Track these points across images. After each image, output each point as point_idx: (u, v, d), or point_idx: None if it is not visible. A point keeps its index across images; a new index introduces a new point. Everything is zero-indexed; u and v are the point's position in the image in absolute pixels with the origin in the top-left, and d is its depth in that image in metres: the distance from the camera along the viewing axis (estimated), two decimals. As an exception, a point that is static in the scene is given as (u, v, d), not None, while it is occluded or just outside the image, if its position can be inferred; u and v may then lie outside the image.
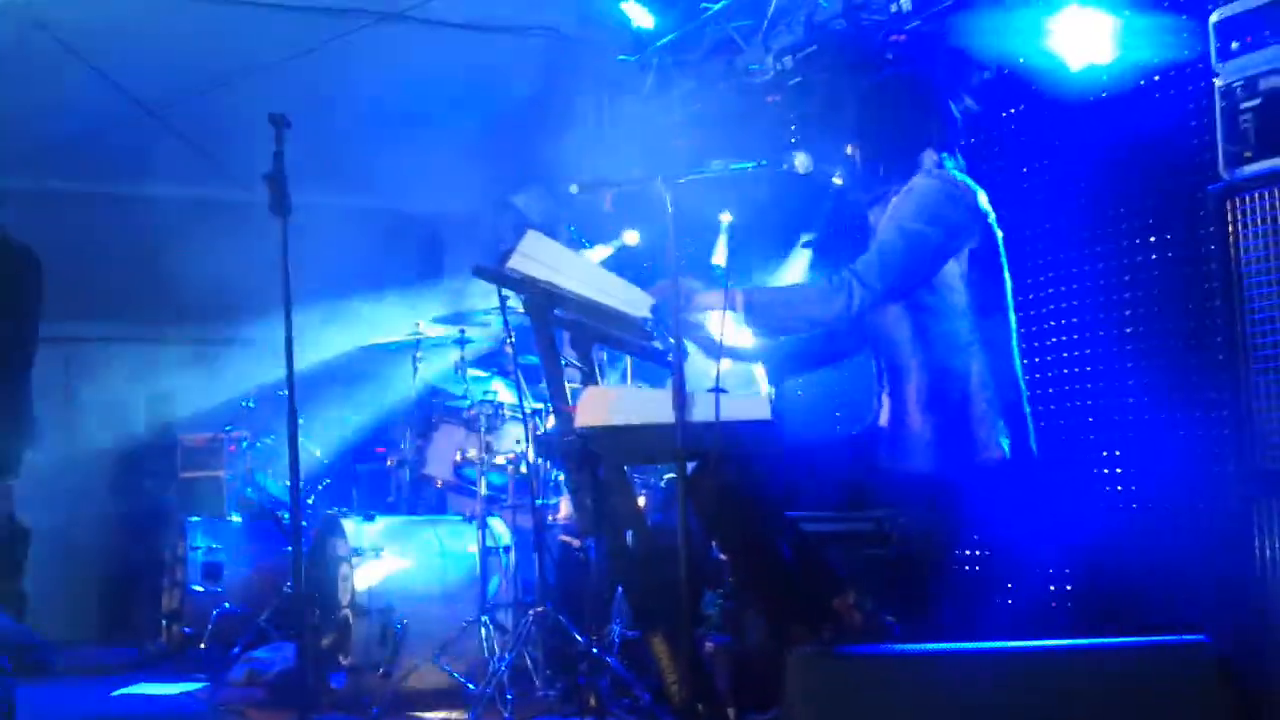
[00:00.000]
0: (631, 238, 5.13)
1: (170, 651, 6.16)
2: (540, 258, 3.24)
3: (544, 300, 3.23)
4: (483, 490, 4.77)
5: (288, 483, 6.30)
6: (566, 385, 3.29)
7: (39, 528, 6.54)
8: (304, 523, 4.31)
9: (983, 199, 3.20)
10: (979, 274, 3.14)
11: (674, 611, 2.99)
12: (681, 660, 2.99)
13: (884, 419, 3.19)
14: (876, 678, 2.23)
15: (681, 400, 2.98)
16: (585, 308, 3.30)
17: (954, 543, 3.18)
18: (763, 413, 3.00)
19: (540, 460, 4.73)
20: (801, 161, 3.29)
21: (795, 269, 4.55)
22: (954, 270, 3.12)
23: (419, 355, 5.47)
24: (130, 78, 6.37)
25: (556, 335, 3.36)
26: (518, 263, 3.23)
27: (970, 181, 3.22)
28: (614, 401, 3.14)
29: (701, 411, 2.95)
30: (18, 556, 6.40)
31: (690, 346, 3.23)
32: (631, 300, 3.32)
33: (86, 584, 7.69)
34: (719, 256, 4.87)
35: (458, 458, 4.93)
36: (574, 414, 3.14)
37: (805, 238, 4.50)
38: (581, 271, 3.32)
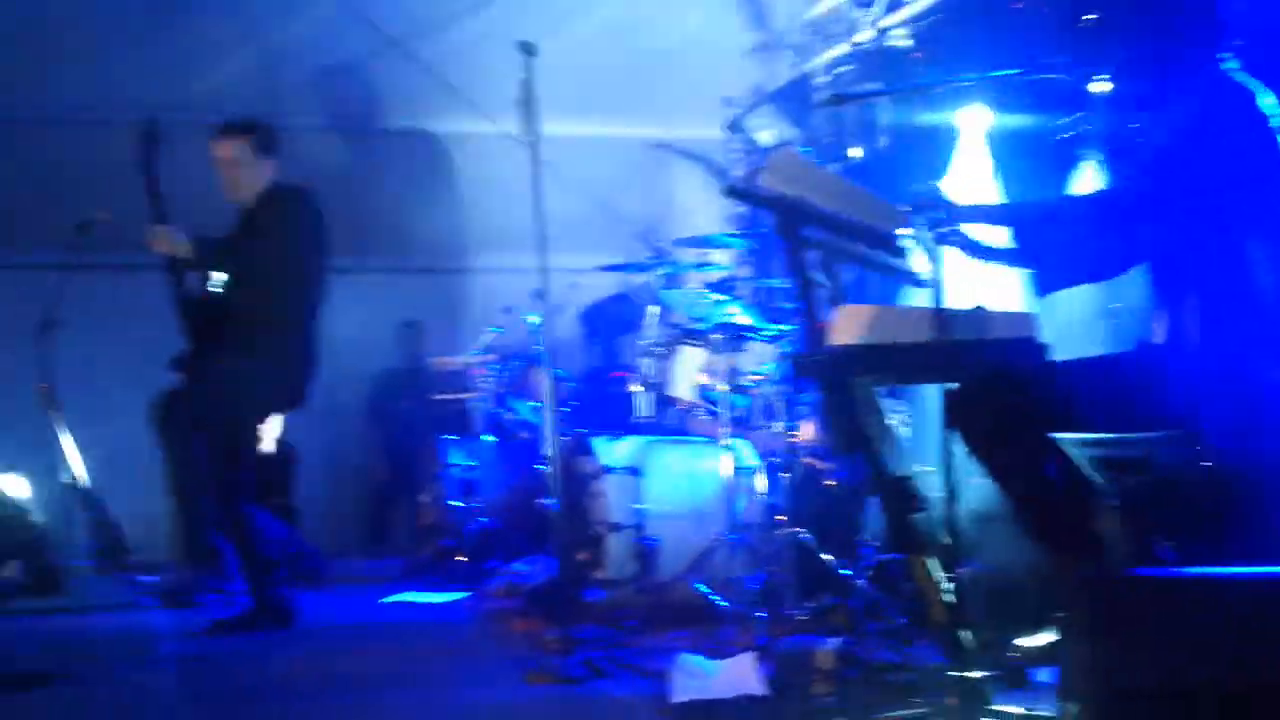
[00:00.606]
0: (855, 153, 5.06)
1: (431, 563, 6.47)
2: (791, 174, 3.21)
3: (795, 217, 3.20)
4: (727, 412, 4.80)
5: (535, 404, 6.53)
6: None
7: (306, 449, 6.96)
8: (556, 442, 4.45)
9: (1267, 101, 3.00)
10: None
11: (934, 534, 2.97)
12: (942, 583, 2.97)
13: (1161, 336, 3.05)
14: (1162, 601, 2.16)
15: (942, 317, 2.93)
16: (836, 224, 3.26)
17: (1232, 467, 3.02)
18: (1027, 330, 2.92)
19: (787, 381, 4.72)
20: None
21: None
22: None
23: (657, 278, 5.53)
24: (379, 12, 6.54)
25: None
26: (769, 179, 3.21)
27: (1252, 82, 3.03)
28: (869, 319, 3.09)
29: (962, 330, 2.89)
30: (288, 475, 6.84)
31: (946, 262, 3.15)
32: (883, 214, 3.27)
33: (349, 501, 8.14)
34: (966, 170, 4.75)
35: (701, 380, 4.96)
36: (826, 332, 3.12)
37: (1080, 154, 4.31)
38: (832, 187, 3.29)
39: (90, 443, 7.12)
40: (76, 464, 6.92)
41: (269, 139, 5.19)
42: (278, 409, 5.12)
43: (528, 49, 4.10)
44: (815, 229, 3.23)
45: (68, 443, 6.94)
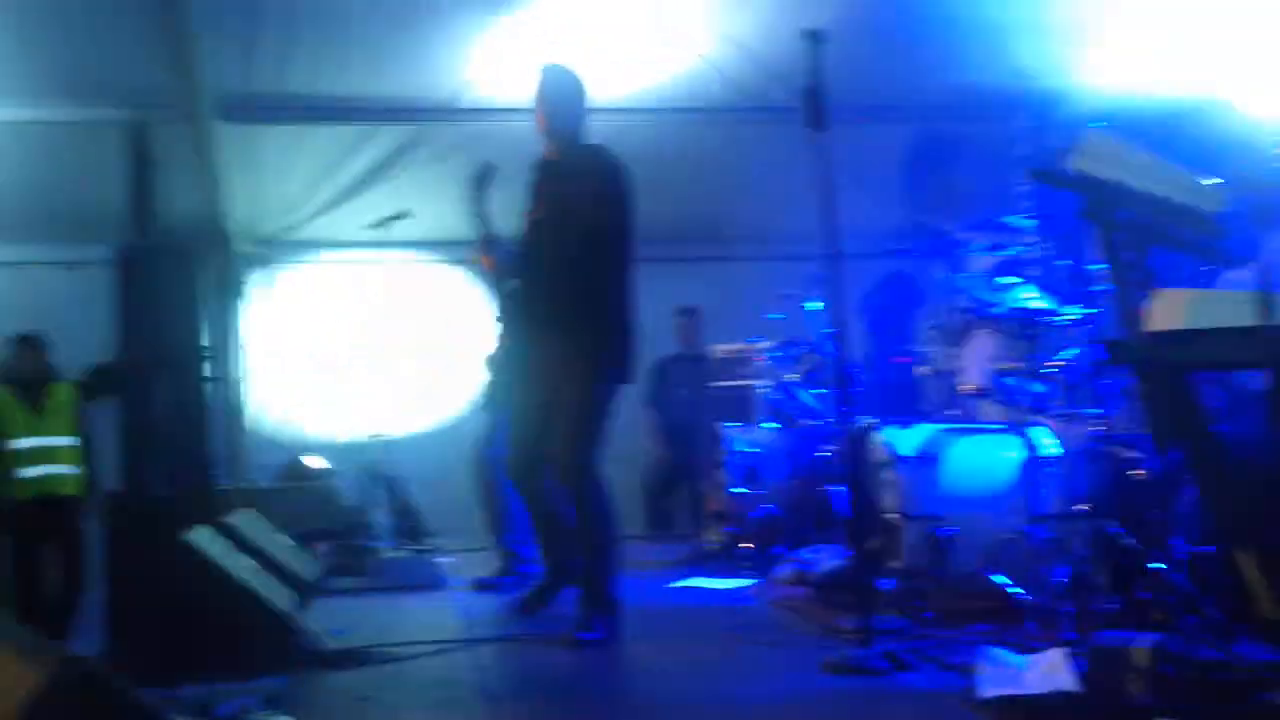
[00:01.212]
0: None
1: (716, 550, 6.54)
2: (1105, 155, 3.10)
3: (1109, 201, 3.09)
4: (1024, 398, 4.67)
5: (817, 390, 6.52)
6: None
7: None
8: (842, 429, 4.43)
9: None
10: None
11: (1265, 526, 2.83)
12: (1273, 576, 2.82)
13: None
14: None
15: (1268, 300, 2.78)
16: (1151, 205, 3.13)
17: None
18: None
19: (1092, 367, 4.56)
20: None
21: None
22: None
23: (948, 263, 5.43)
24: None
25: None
26: (1080, 162, 3.11)
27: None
28: (1190, 304, 2.97)
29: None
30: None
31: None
32: (1202, 194, 3.12)
33: (631, 486, 8.30)
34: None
35: (997, 365, 4.84)
36: (1143, 318, 3.00)
37: None
38: (1147, 167, 3.16)
39: (392, 427, 7.55)
40: (379, 447, 7.34)
41: None
42: (615, 380, 4.73)
43: (816, 37, 4.08)
44: (1128, 211, 3.11)
45: (372, 427, 7.37)
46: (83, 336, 7.77)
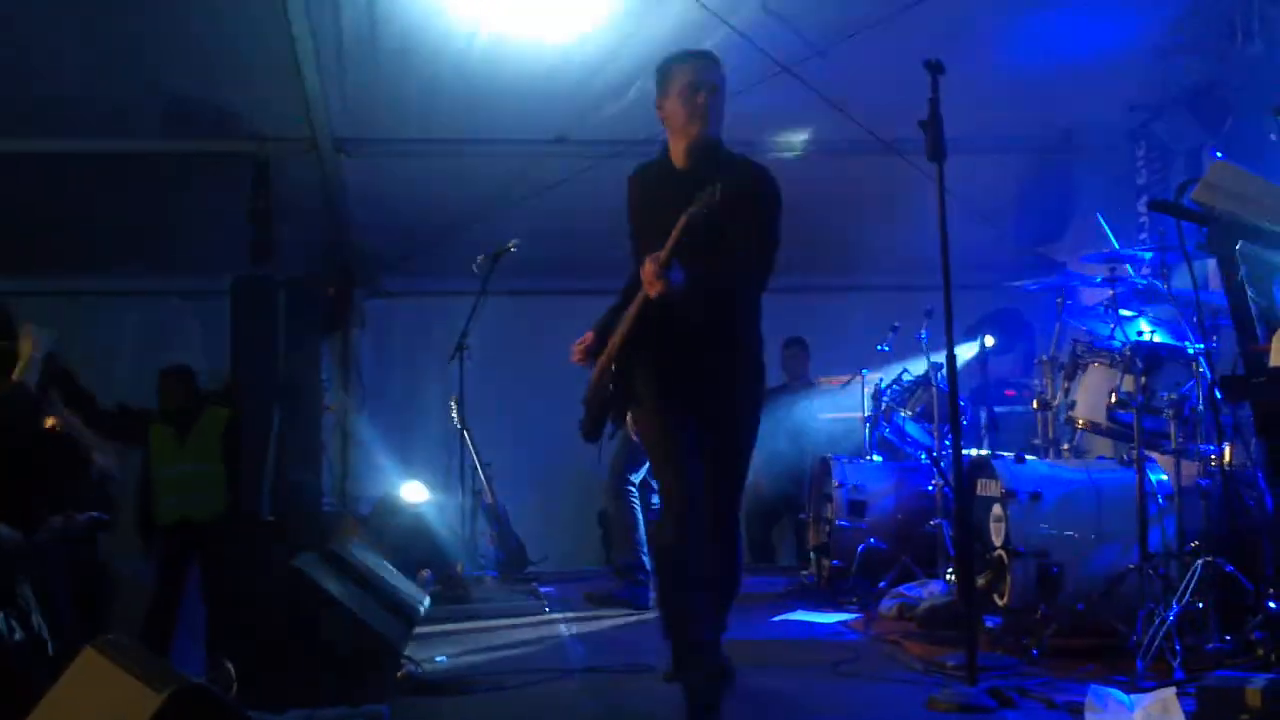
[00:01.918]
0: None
1: (820, 583, 6.49)
2: (1229, 188, 3.03)
3: (1232, 234, 3.02)
4: (1138, 433, 4.57)
5: (925, 423, 6.44)
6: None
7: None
8: (951, 463, 4.36)
9: None
10: None
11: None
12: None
13: None
14: None
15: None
16: (1274, 238, 3.06)
17: None
18: None
19: (1210, 402, 4.45)
20: None
21: None
22: None
23: (1062, 295, 5.36)
24: (768, 36, 6.61)
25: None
26: (1203, 195, 3.05)
27: None
28: (1311, 340, 2.88)
29: None
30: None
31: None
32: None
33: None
34: None
35: (1111, 399, 4.74)
36: (1266, 354, 2.93)
37: None
38: (1269, 199, 3.08)
39: (494, 458, 7.62)
40: (483, 477, 7.41)
41: None
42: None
43: (935, 67, 4.04)
44: (1251, 244, 3.04)
45: (475, 456, 7.45)
46: (204, 365, 8.04)
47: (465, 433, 7.45)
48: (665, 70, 4.09)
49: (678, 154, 4.07)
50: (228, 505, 6.97)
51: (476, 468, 7.40)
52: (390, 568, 5.19)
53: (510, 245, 7.16)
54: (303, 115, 7.23)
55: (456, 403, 7.46)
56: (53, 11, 6.37)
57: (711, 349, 3.98)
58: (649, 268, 3.70)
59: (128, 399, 7.50)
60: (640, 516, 6.31)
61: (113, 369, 8.03)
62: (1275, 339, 2.90)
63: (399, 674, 4.28)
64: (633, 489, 6.31)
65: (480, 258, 7.26)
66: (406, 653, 4.45)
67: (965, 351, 6.34)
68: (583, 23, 6.66)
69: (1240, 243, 3.01)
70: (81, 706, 2.09)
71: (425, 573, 6.64)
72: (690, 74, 4.02)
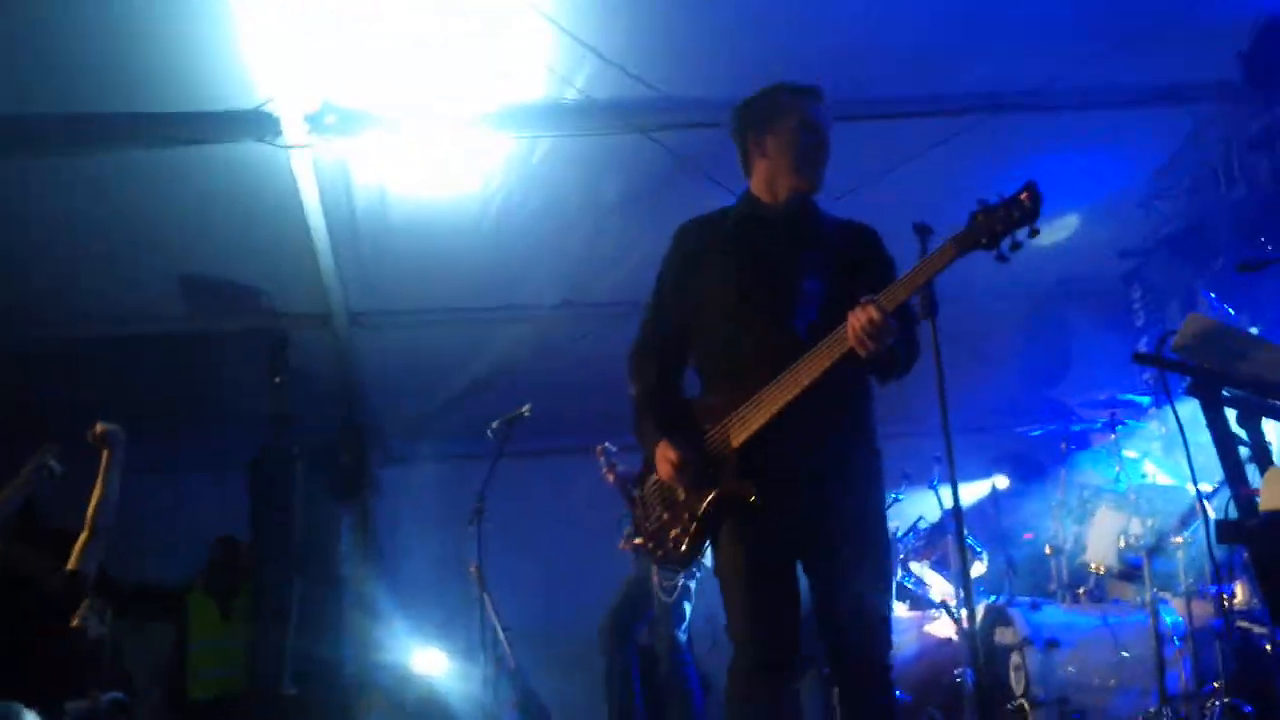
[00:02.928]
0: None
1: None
2: (1204, 339, 3.15)
3: (1213, 383, 3.13)
4: (1149, 576, 4.61)
5: (944, 570, 6.45)
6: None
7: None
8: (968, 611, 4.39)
9: None
10: None
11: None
12: None
13: None
14: None
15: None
16: (1259, 387, 3.16)
17: None
18: None
19: (1217, 543, 4.50)
20: None
21: None
22: None
23: (1069, 438, 5.46)
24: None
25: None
26: (1180, 346, 3.16)
27: None
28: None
29: None
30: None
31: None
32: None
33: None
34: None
35: (1120, 543, 4.80)
36: (1256, 497, 3.00)
37: None
38: (1250, 349, 3.20)
39: (514, 620, 7.62)
40: (504, 642, 7.40)
41: None
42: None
43: (923, 230, 4.17)
44: (1234, 390, 3.14)
45: (495, 622, 7.45)
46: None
47: (485, 597, 7.45)
48: (775, 102, 3.53)
49: (772, 198, 3.52)
50: (253, 682, 6.98)
51: (497, 632, 7.39)
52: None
53: (524, 410, 7.27)
54: (318, 291, 7.44)
55: (476, 568, 7.49)
56: (81, 204, 6.61)
57: (843, 442, 3.34)
58: (870, 315, 3.10)
59: (149, 573, 7.58)
60: (637, 688, 6.29)
61: (134, 543, 8.12)
62: (1265, 481, 2.98)
63: None
64: (633, 645, 6.30)
65: (495, 423, 7.38)
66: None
67: (977, 491, 6.40)
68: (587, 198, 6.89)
69: (1223, 389, 3.11)
70: None
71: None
72: (809, 112, 3.48)
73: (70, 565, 5.19)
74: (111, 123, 5.93)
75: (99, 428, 5.35)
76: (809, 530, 3.31)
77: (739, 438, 3.29)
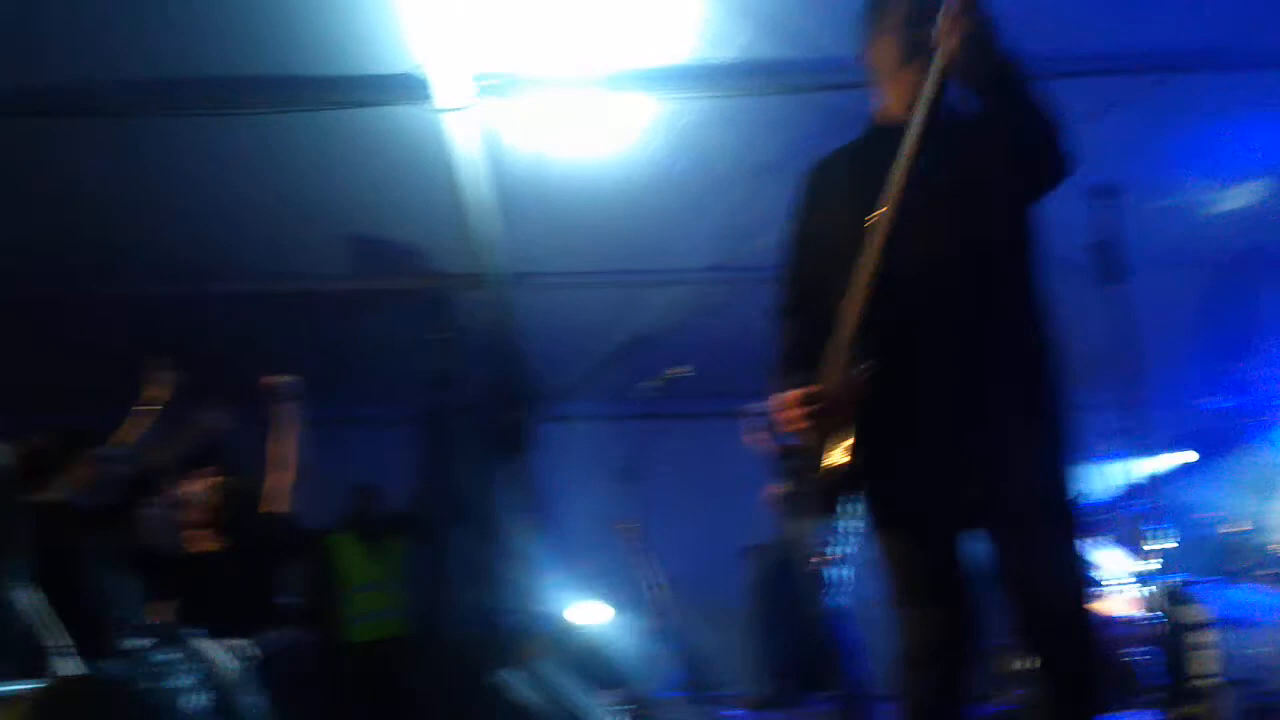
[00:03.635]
0: None
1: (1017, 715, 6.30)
2: None
3: None
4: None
5: (1122, 548, 6.25)
6: None
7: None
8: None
9: None
10: None
11: None
12: None
13: None
14: None
15: None
16: None
17: None
18: None
19: None
20: None
21: None
22: None
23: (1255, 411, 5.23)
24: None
25: None
26: None
27: None
28: None
29: None
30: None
31: None
32: None
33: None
34: None
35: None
36: None
37: None
38: None
39: (670, 579, 7.65)
40: (661, 598, 7.44)
41: None
42: None
43: (1107, 192, 4.05)
44: None
45: (653, 578, 7.49)
46: (391, 490, 8.31)
47: (642, 555, 7.51)
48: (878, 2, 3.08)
49: (893, 109, 3.05)
50: (413, 627, 7.15)
51: (656, 588, 7.44)
52: (582, 686, 5.26)
53: (680, 370, 7.27)
54: (475, 253, 7.51)
55: (631, 525, 7.54)
56: (256, 164, 6.77)
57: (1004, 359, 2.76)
58: None
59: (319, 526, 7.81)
60: (792, 649, 6.25)
61: (299, 498, 8.37)
62: None
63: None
64: (786, 606, 6.27)
65: (649, 383, 7.39)
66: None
67: (1156, 466, 6.19)
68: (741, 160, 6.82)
69: None
70: None
71: (610, 693, 6.68)
72: (912, 3, 2.98)
73: (276, 508, 5.42)
74: (274, 86, 6.06)
75: (273, 381, 5.54)
76: (977, 489, 2.81)
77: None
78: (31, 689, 3.56)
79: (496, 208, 7.07)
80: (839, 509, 3.01)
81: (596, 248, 7.58)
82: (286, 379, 5.55)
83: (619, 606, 7.96)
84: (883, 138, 2.93)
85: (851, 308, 2.76)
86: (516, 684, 4.27)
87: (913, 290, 2.74)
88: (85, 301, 7.88)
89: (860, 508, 3.01)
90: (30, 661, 4.00)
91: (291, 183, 6.89)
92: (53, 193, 6.76)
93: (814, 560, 6.26)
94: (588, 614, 7.83)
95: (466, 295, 7.96)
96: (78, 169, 6.63)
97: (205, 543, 5.51)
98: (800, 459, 3.04)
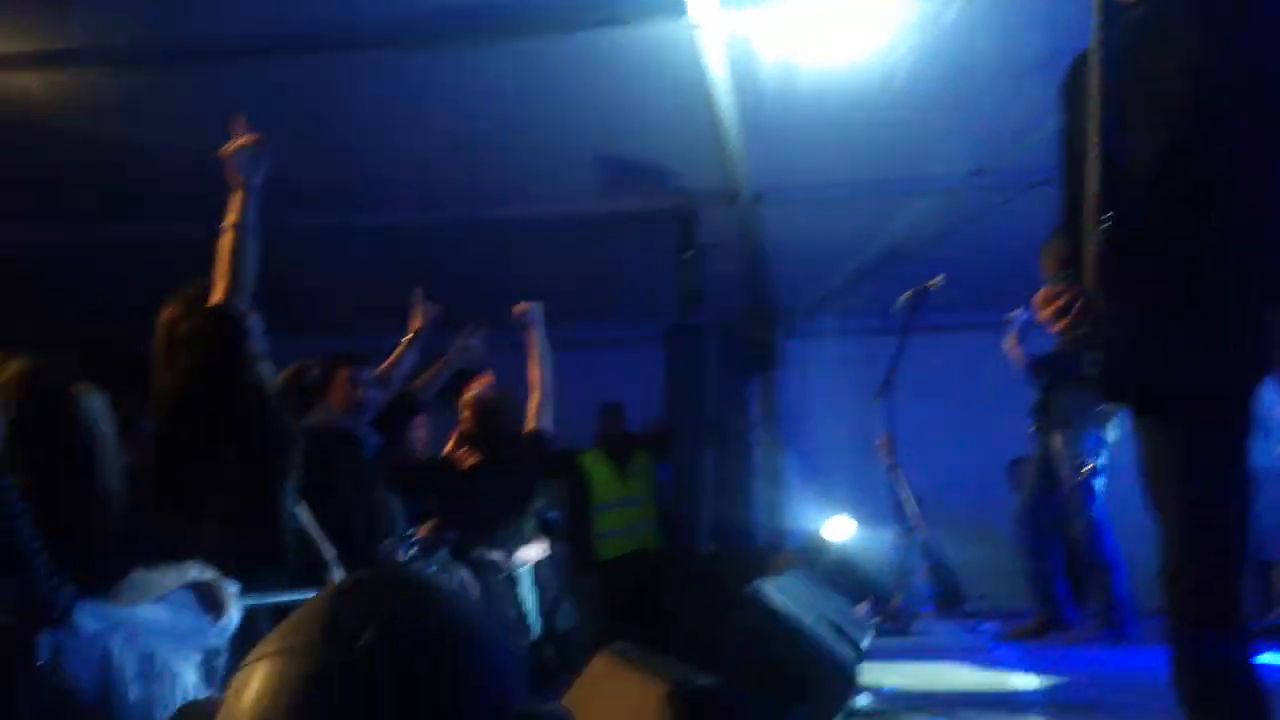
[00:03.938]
0: None
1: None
2: None
3: None
4: None
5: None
6: None
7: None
8: None
9: None
10: None
11: None
12: None
13: None
14: None
15: None
16: None
17: None
18: None
19: None
20: None
21: None
22: None
23: None
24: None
25: None
26: None
27: None
28: None
29: None
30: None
31: None
32: None
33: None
34: None
35: None
36: None
37: None
38: None
39: (921, 493, 7.62)
40: (914, 513, 7.42)
41: None
42: None
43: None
44: None
45: (906, 493, 7.47)
46: (638, 411, 8.52)
47: (895, 469, 7.49)
48: None
49: None
50: (666, 541, 7.34)
51: (906, 504, 7.42)
52: (834, 598, 5.31)
53: (933, 282, 7.18)
54: (725, 169, 7.56)
55: (885, 440, 7.52)
56: (511, 89, 6.99)
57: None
58: None
59: (569, 445, 8.09)
60: (1058, 564, 6.16)
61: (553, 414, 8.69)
62: None
63: (852, 700, 4.38)
64: (1048, 522, 6.18)
65: (902, 296, 7.32)
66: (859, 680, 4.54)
67: None
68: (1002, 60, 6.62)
69: None
70: (601, 703, 2.29)
71: (863, 606, 6.72)
72: None
73: (531, 427, 5.67)
74: (533, 8, 6.23)
75: (525, 306, 5.76)
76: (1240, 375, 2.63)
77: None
78: (340, 580, 3.77)
79: (747, 123, 7.09)
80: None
81: (848, 159, 7.51)
82: (538, 303, 5.76)
83: (870, 521, 7.97)
84: (1140, 23, 2.79)
85: (1096, 202, 2.66)
86: (768, 597, 4.34)
87: (1168, 179, 2.66)
88: (348, 230, 8.29)
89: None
90: (309, 573, 4.22)
91: (543, 108, 7.07)
92: (317, 125, 7.13)
93: (1076, 472, 6.14)
94: (838, 529, 7.86)
95: (715, 213, 8.03)
96: (341, 102, 6.98)
97: (467, 459, 5.76)
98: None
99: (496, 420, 5.75)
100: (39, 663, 3.03)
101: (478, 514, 5.53)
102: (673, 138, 7.39)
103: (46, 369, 3.47)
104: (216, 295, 3.84)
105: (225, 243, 3.85)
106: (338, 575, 4.25)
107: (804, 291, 8.87)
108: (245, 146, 3.88)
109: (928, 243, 7.94)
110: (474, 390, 5.85)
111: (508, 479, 5.65)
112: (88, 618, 3.14)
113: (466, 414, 5.80)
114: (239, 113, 3.97)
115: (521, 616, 5.29)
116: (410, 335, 5.53)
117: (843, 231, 8.19)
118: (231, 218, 3.86)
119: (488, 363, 5.95)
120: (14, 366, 3.44)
